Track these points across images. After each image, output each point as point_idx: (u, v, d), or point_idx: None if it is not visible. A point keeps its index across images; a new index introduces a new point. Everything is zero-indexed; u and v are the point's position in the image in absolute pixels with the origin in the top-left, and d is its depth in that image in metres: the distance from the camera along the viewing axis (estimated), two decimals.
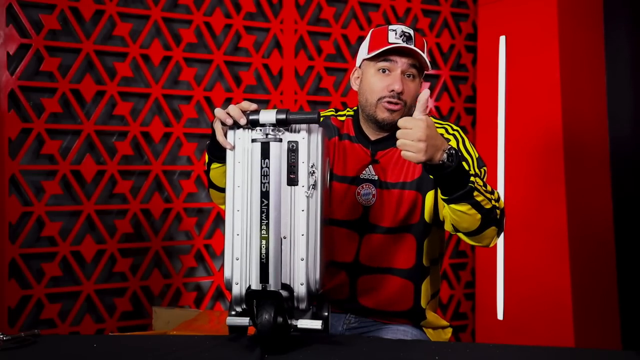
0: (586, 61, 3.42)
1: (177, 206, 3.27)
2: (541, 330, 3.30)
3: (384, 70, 1.89)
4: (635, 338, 3.37)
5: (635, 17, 3.50)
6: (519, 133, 3.47)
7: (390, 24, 1.95)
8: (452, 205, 1.69)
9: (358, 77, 1.97)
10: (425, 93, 1.61)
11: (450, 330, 2.04)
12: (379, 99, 1.89)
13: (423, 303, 1.95)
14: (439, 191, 1.81)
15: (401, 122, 1.60)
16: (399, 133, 1.60)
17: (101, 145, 3.11)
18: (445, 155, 1.61)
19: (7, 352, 1.55)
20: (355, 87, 1.98)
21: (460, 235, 1.79)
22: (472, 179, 1.67)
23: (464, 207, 1.68)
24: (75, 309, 3.06)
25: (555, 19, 3.31)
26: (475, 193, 1.66)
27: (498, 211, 1.74)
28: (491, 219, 1.72)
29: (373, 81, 1.90)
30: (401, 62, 1.88)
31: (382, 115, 1.89)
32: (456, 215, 1.71)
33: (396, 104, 1.88)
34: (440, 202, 1.84)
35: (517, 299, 3.43)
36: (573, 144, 3.29)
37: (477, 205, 1.68)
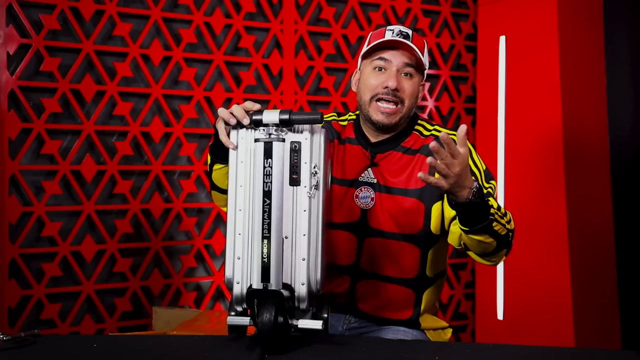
0: (586, 61, 3.41)
1: (177, 206, 3.27)
2: (541, 330, 3.30)
3: (380, 69, 1.89)
4: (635, 338, 3.37)
5: (635, 17, 3.50)
6: (519, 133, 3.47)
7: (390, 24, 1.95)
8: (471, 235, 1.71)
9: (358, 79, 1.96)
10: (463, 128, 1.57)
11: (450, 330, 2.03)
12: (372, 97, 1.88)
13: (423, 312, 1.94)
14: (445, 204, 1.80)
15: (453, 146, 1.53)
16: (445, 157, 1.54)
17: (101, 145, 3.11)
18: (471, 194, 1.61)
19: (7, 352, 1.55)
20: (354, 88, 1.98)
21: (471, 254, 1.81)
22: (492, 210, 1.67)
23: (482, 237, 1.70)
24: (75, 309, 3.06)
25: (555, 19, 3.31)
26: (495, 224, 1.69)
27: (511, 234, 1.76)
28: (505, 243, 1.75)
29: (368, 78, 1.90)
30: (396, 61, 1.87)
31: (376, 116, 1.88)
32: (472, 242, 1.73)
33: (390, 101, 1.87)
34: (447, 214, 1.83)
35: (517, 299, 3.43)
36: (573, 144, 3.29)
37: (494, 234, 1.70)
